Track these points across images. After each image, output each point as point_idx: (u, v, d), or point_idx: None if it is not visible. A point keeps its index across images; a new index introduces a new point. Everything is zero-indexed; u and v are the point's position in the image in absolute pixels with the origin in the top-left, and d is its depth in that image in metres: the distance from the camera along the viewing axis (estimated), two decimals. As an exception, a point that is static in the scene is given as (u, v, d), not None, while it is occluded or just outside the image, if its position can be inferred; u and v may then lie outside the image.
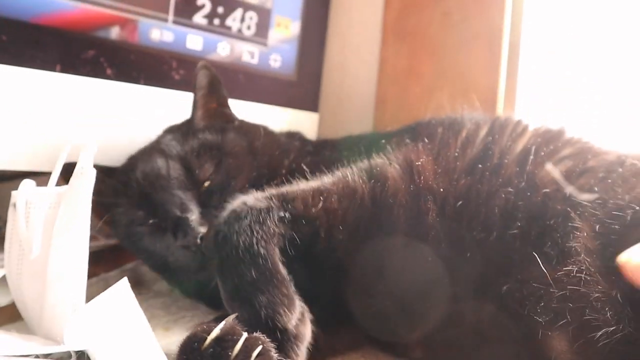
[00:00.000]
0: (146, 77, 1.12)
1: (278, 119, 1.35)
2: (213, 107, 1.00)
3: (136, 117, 1.10)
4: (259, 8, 1.31)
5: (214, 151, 0.89)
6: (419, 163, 0.77)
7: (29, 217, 0.68)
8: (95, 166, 0.66)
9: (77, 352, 0.60)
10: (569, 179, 0.72)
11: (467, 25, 1.38)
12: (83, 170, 0.67)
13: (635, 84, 1.23)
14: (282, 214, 0.67)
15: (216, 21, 1.23)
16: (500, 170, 0.75)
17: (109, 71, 1.06)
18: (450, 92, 1.39)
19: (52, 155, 0.81)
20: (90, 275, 0.96)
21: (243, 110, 1.28)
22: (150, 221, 0.85)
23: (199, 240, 0.78)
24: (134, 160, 0.93)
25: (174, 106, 1.16)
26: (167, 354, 0.62)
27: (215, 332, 0.56)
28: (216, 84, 1.00)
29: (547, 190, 0.72)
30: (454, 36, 1.40)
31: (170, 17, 1.16)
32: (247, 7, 1.29)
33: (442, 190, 0.74)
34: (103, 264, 1.07)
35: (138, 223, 0.86)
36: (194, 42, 1.21)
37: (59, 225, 0.65)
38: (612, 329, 0.58)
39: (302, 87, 1.42)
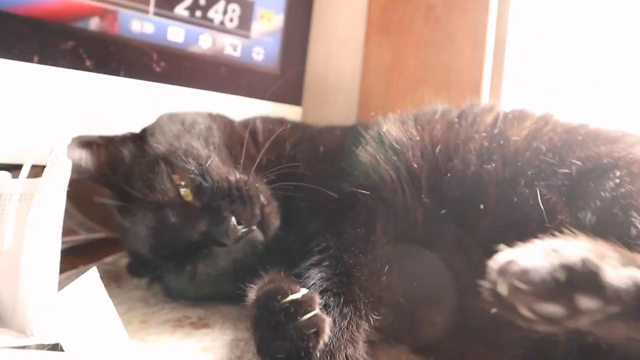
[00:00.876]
0: (126, 69, 1.11)
1: (261, 112, 1.34)
2: (104, 152, 0.89)
3: (116, 109, 1.09)
4: (241, 0, 1.30)
5: (155, 169, 0.82)
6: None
7: (3, 209, 0.67)
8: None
9: (48, 344, 0.59)
10: (533, 139, 0.80)
11: (452, 19, 1.38)
12: (57, 161, 0.66)
13: (623, 73, 1.24)
14: None
15: (198, 13, 1.22)
16: (474, 125, 0.85)
17: (88, 63, 1.05)
18: (434, 86, 1.39)
19: (29, 148, 0.79)
20: (70, 268, 0.96)
21: (225, 103, 1.28)
22: (199, 264, 0.81)
23: (236, 225, 0.77)
24: (136, 246, 0.86)
25: (154, 99, 1.15)
26: (143, 345, 0.61)
27: (299, 294, 0.64)
28: (91, 140, 0.87)
29: (516, 138, 0.81)
30: (439, 30, 1.40)
31: (151, 8, 1.15)
32: None
33: (419, 138, 0.84)
34: (83, 257, 1.06)
35: (192, 273, 0.82)
36: (176, 34, 1.19)
37: (32, 217, 0.64)
38: None
39: (286, 80, 1.42)
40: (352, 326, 0.67)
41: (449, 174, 0.80)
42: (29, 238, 0.62)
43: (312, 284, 0.70)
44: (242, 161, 0.85)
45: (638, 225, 0.63)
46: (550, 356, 0.67)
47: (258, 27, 1.35)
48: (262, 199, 0.81)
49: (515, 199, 0.75)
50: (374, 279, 0.72)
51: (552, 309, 0.49)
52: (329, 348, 0.63)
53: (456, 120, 0.87)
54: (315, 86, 1.51)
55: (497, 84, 1.36)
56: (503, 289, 0.49)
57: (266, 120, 1.01)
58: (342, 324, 0.66)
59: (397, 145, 0.84)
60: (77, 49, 1.04)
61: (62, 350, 0.59)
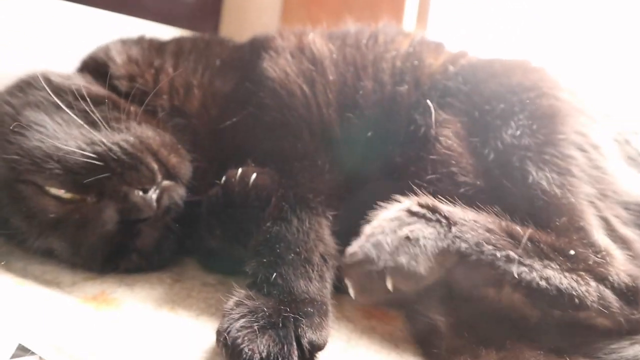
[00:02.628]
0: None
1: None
2: None
3: (6, 22, 0.98)
4: None
5: (19, 194, 0.68)
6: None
7: None
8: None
9: None
10: (449, 64, 0.80)
11: (375, -50, 1.33)
12: None
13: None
14: None
15: None
16: (387, 44, 0.83)
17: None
18: (356, 18, 1.34)
19: None
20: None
21: (131, 27, 1.18)
22: (137, 242, 0.72)
23: (144, 193, 0.69)
24: None
25: (50, 15, 1.04)
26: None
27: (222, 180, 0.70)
28: None
29: (432, 61, 0.80)
30: (361, -40, 1.35)
31: None
32: None
33: (335, 55, 0.81)
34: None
35: (139, 252, 0.73)
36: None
37: None
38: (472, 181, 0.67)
39: (201, 7, 1.33)
40: (314, 225, 0.67)
41: (361, 92, 0.77)
42: None
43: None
44: (112, 114, 0.72)
45: (534, 173, 0.65)
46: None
47: (169, -53, 1.25)
48: (154, 146, 0.71)
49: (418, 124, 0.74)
50: (317, 179, 0.72)
51: None
52: (303, 255, 0.63)
53: (365, 41, 0.84)
54: (234, 15, 1.43)
55: (422, 17, 1.33)
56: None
57: (115, 48, 0.85)
58: (304, 227, 0.66)
59: (317, 54, 0.80)
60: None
61: None
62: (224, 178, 0.70)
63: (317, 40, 0.82)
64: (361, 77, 0.78)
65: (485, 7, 1.31)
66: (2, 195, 0.70)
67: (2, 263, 0.70)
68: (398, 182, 0.70)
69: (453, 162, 0.68)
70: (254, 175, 0.69)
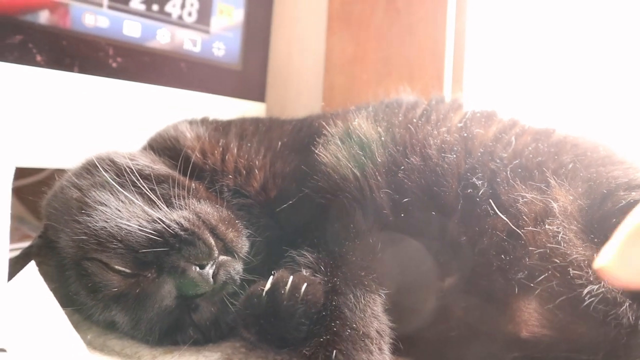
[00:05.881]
0: (81, 65, 1.06)
1: (223, 109, 1.31)
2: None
3: (70, 106, 1.04)
4: (199, -6, 1.27)
5: (85, 270, 0.72)
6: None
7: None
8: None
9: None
10: (501, 134, 0.79)
11: (412, 12, 1.38)
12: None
13: (581, 65, 1.25)
14: None
15: (155, 7, 1.18)
16: (438, 123, 0.82)
17: (39, 58, 1.00)
18: (397, 78, 1.38)
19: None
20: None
21: (185, 100, 1.24)
22: (195, 317, 0.74)
23: (201, 269, 0.70)
24: None
25: (111, 95, 1.10)
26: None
27: (268, 285, 0.67)
28: None
29: (482, 131, 0.79)
30: (399, 23, 1.40)
31: (105, 1, 1.10)
32: (187, -7, 1.24)
33: (383, 138, 0.80)
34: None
35: (196, 326, 0.75)
36: (132, 28, 1.15)
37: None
38: (596, 287, 0.61)
39: (248, 76, 1.39)
40: (370, 302, 0.68)
41: (402, 167, 0.77)
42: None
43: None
44: (174, 192, 0.75)
45: None
46: None
47: (218, 22, 1.31)
48: (212, 221, 0.73)
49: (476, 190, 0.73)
50: (369, 258, 0.73)
51: None
52: (361, 330, 0.64)
53: (416, 120, 0.84)
54: (278, 81, 1.49)
55: (458, 75, 1.36)
56: None
57: (184, 126, 0.90)
58: (360, 305, 0.67)
59: (365, 139, 0.81)
60: (27, 44, 0.99)
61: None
62: (270, 282, 0.67)
63: (362, 124, 0.83)
64: (408, 155, 0.78)
65: (520, 56, 1.34)
66: (70, 273, 0.73)
67: (88, 337, 0.72)
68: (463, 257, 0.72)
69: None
70: (304, 286, 0.66)
